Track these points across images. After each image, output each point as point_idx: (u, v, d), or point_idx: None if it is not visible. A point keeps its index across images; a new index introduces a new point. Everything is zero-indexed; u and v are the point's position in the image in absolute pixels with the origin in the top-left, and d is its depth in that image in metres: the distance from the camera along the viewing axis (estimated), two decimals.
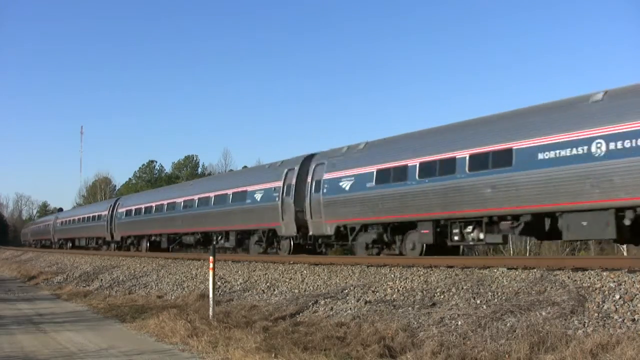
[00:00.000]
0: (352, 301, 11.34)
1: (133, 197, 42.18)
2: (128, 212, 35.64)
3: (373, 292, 11.60)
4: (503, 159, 13.46)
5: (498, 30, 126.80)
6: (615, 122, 11.65)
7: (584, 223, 12.07)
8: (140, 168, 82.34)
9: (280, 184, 21.22)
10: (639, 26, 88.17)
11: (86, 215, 44.31)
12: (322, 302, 11.77)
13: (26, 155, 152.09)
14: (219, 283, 15.50)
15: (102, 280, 21.82)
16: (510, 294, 9.46)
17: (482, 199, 13.84)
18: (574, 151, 12.17)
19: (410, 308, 10.06)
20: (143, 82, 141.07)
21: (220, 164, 78.26)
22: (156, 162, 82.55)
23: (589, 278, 9.26)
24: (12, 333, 11.62)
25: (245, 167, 55.46)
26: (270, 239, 22.01)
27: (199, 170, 79.43)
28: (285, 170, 21.35)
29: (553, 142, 12.58)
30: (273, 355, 8.22)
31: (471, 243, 14.93)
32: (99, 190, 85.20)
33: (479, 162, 14.05)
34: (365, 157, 17.79)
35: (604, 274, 9.29)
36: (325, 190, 18.64)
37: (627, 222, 11.57)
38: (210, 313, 11.63)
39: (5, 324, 12.87)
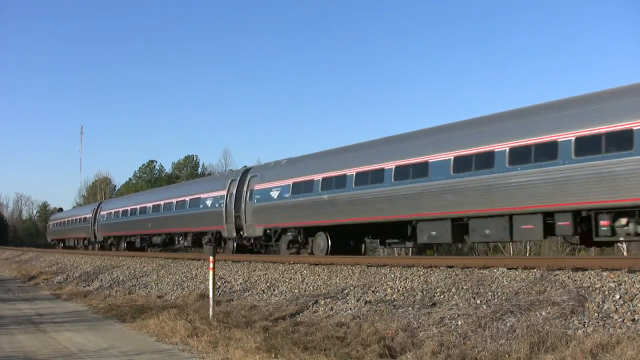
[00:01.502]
0: (352, 301, 11.34)
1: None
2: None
3: (373, 292, 11.60)
4: None
5: (498, 30, 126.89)
6: None
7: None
8: (140, 168, 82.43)
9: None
10: (639, 26, 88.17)
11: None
12: (322, 302, 11.77)
13: (26, 155, 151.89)
14: (219, 283, 15.51)
15: (102, 280, 21.83)
16: (510, 294, 9.47)
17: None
18: None
19: (410, 308, 10.06)
20: (143, 82, 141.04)
21: (220, 164, 78.32)
22: (156, 162, 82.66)
23: (589, 278, 9.26)
24: (12, 333, 11.62)
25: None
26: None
27: (199, 170, 79.47)
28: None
29: None
30: (273, 355, 8.22)
31: None
32: (99, 190, 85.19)
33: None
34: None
35: (604, 274, 9.30)
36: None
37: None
38: (210, 313, 11.63)
39: (5, 324, 12.87)
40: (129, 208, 35.88)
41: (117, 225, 37.64)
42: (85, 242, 44.94)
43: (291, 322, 10.71)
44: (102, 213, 40.78)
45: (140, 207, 33.69)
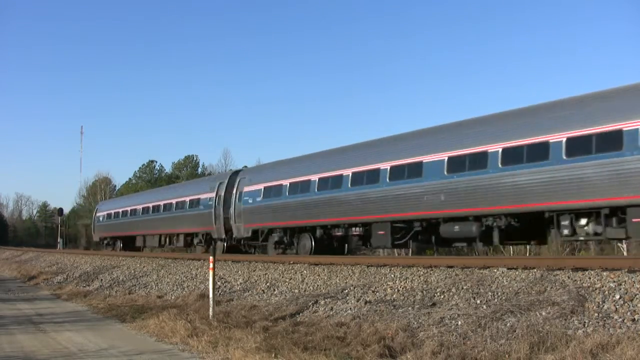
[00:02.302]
0: (352, 301, 11.34)
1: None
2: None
3: (373, 292, 11.60)
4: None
5: (498, 30, 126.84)
6: None
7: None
8: (140, 168, 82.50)
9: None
10: (639, 26, 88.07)
11: None
12: (322, 302, 11.77)
13: (26, 155, 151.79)
14: (219, 283, 15.51)
15: (102, 280, 21.83)
16: (510, 294, 9.47)
17: None
18: None
19: (410, 308, 10.06)
20: (143, 82, 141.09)
21: (220, 164, 78.40)
22: (156, 162, 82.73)
23: (589, 278, 9.26)
24: (12, 333, 11.62)
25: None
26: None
27: (199, 170, 79.52)
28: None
29: None
30: (273, 355, 8.22)
31: None
32: (99, 190, 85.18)
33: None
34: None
35: (604, 274, 9.30)
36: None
37: None
38: (210, 313, 11.63)
39: (5, 324, 12.87)
40: (351, 171, 18.60)
41: (299, 208, 20.65)
42: (198, 240, 28.39)
43: (291, 322, 10.71)
44: (248, 189, 23.66)
45: (399, 165, 17.03)
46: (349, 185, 18.52)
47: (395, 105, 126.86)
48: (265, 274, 15.73)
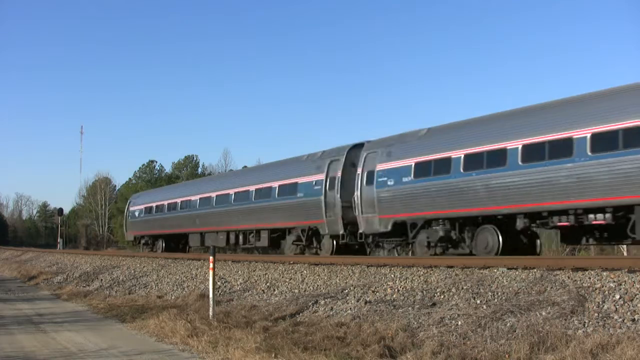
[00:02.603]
0: (352, 301, 11.34)
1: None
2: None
3: (373, 292, 11.60)
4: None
5: (498, 30, 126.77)
6: None
7: None
8: (140, 168, 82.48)
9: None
10: (639, 26, 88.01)
11: None
12: (322, 302, 11.77)
13: (26, 155, 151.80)
14: (219, 283, 15.51)
15: (102, 280, 21.82)
16: (510, 294, 9.47)
17: None
18: None
19: (410, 308, 10.06)
20: (143, 82, 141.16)
21: (220, 164, 78.52)
22: (156, 162, 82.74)
23: (589, 278, 9.26)
24: (12, 333, 11.62)
25: (245, 167, 54.93)
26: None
27: (199, 170, 79.56)
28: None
29: None
30: (273, 355, 8.22)
31: None
32: (99, 190, 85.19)
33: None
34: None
35: (604, 274, 9.30)
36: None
37: None
38: (210, 313, 11.63)
39: (5, 324, 12.86)
40: (589, 132, 12.95)
41: (485, 189, 14.89)
42: (294, 237, 21.78)
43: (291, 322, 10.71)
44: (384, 167, 17.75)
45: None
46: (588, 152, 12.82)
47: (395, 105, 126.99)
48: (265, 274, 15.72)
